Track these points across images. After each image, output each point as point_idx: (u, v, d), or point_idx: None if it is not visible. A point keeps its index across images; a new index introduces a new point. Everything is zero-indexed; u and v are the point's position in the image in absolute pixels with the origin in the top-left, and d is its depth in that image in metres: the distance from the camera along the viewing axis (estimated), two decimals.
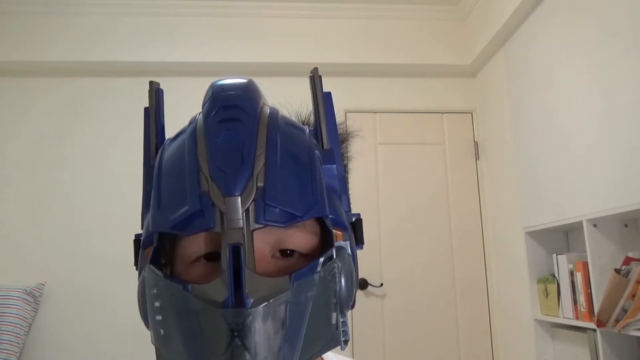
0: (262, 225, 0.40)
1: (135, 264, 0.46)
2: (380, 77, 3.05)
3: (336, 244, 0.43)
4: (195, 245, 0.43)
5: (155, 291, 0.41)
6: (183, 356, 0.39)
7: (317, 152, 0.46)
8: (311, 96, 0.49)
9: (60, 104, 2.92)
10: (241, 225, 0.39)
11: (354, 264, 0.46)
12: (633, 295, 1.68)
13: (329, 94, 0.49)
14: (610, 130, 1.86)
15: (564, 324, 2.18)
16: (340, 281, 0.42)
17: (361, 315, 2.82)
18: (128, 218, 2.79)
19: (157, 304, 0.40)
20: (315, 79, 0.48)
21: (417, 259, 2.93)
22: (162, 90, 0.49)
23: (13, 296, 2.53)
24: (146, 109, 0.48)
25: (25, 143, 2.87)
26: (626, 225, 1.92)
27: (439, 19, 3.06)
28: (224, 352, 0.36)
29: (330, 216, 0.44)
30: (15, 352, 2.46)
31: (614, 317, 1.74)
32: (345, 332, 0.42)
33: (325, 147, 0.47)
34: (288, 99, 0.59)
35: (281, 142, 0.43)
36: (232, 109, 0.43)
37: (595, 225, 1.91)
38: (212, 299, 0.38)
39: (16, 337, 2.47)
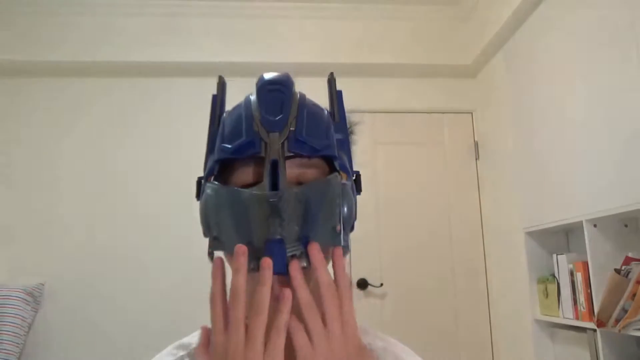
0: (292, 154, 0.57)
1: (197, 195, 0.62)
2: (380, 77, 3.04)
3: (341, 181, 0.59)
4: (244, 174, 0.59)
5: (212, 194, 0.58)
6: (234, 231, 0.55)
7: (331, 121, 0.64)
8: (328, 94, 0.66)
9: (62, 103, 2.92)
10: (278, 150, 0.56)
11: (354, 199, 0.63)
12: (633, 295, 1.68)
13: (340, 92, 0.67)
14: (610, 130, 1.86)
15: (564, 324, 2.18)
16: (342, 199, 0.58)
17: (361, 315, 2.79)
18: (129, 218, 2.82)
19: (215, 202, 0.57)
20: (332, 82, 0.68)
21: (417, 259, 2.93)
22: (225, 84, 0.68)
23: (13, 296, 2.52)
24: (214, 96, 0.66)
25: (26, 143, 2.86)
26: (626, 225, 1.92)
27: (439, 19, 3.06)
28: (265, 220, 0.53)
29: (338, 161, 0.61)
30: (15, 352, 2.46)
31: (614, 317, 1.74)
32: (346, 242, 0.58)
33: (337, 121, 0.65)
34: None
35: (307, 107, 0.62)
36: (276, 84, 0.62)
37: (595, 225, 1.92)
38: (257, 192, 0.55)
39: (16, 337, 2.47)
